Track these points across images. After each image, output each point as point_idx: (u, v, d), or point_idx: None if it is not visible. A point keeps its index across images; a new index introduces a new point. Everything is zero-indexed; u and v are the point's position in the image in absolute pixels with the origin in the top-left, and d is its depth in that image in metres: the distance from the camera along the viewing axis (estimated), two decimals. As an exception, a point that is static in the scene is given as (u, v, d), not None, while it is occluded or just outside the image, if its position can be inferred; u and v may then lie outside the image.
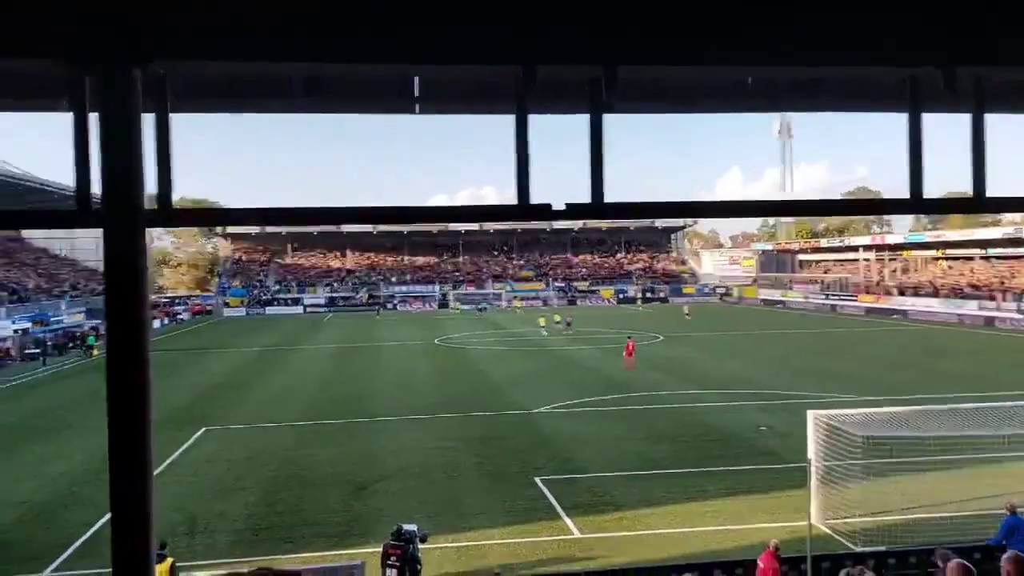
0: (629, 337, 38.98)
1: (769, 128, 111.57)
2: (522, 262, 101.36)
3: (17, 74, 2.11)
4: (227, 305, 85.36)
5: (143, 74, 2.04)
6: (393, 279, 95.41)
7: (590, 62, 2.27)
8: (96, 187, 2.09)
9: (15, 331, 46.45)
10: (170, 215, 2.19)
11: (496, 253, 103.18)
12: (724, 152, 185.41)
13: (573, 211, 2.42)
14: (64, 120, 2.09)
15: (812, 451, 15.35)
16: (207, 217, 2.01)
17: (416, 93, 2.54)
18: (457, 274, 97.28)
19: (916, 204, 2.48)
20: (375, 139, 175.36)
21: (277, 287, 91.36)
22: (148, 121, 2.12)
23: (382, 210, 2.37)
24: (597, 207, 2.39)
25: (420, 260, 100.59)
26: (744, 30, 2.33)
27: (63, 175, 59.77)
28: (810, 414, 15.68)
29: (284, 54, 2.14)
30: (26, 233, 75.21)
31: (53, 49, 1.97)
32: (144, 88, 2.05)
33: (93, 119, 2.03)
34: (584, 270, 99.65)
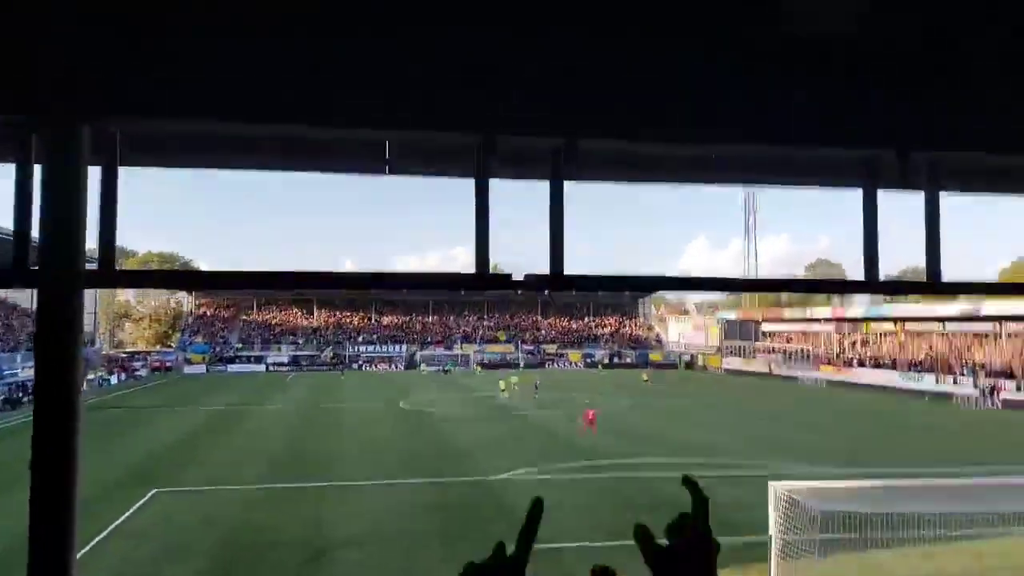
0: (588, 405, 39.04)
1: (735, 198, 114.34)
2: (491, 323, 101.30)
3: None
4: (188, 362, 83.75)
5: (92, 130, 1.99)
6: (360, 338, 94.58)
7: (550, 134, 2.28)
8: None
9: (-36, 384, 45.02)
10: (110, 276, 2.12)
11: (465, 314, 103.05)
12: (692, 220, 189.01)
13: (532, 283, 2.39)
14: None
15: (773, 526, 15.26)
16: (149, 279, 1.95)
17: (387, 155, 2.53)
18: (425, 335, 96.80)
19: (871, 285, 2.50)
20: (344, 196, 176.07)
21: (240, 344, 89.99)
22: (95, 173, 2.06)
23: (341, 276, 2.32)
24: (556, 279, 2.37)
25: (388, 319, 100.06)
26: (705, 109, 2.36)
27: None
28: (771, 487, 15.62)
29: (250, 115, 2.12)
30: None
31: (3, 103, 1.93)
32: (93, 142, 2.00)
33: (37, 170, 1.97)
34: (553, 333, 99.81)
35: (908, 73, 2.35)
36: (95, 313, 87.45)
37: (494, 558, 1.23)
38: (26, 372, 54.72)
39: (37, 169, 1.96)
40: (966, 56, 2.48)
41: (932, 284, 2.48)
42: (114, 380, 64.72)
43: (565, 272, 2.52)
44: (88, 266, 1.99)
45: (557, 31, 2.30)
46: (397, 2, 2.26)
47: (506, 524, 19.46)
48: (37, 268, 1.90)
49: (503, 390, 55.65)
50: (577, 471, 26.99)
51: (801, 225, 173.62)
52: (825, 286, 2.56)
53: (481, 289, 2.51)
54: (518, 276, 2.52)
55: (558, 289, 2.59)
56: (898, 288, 2.77)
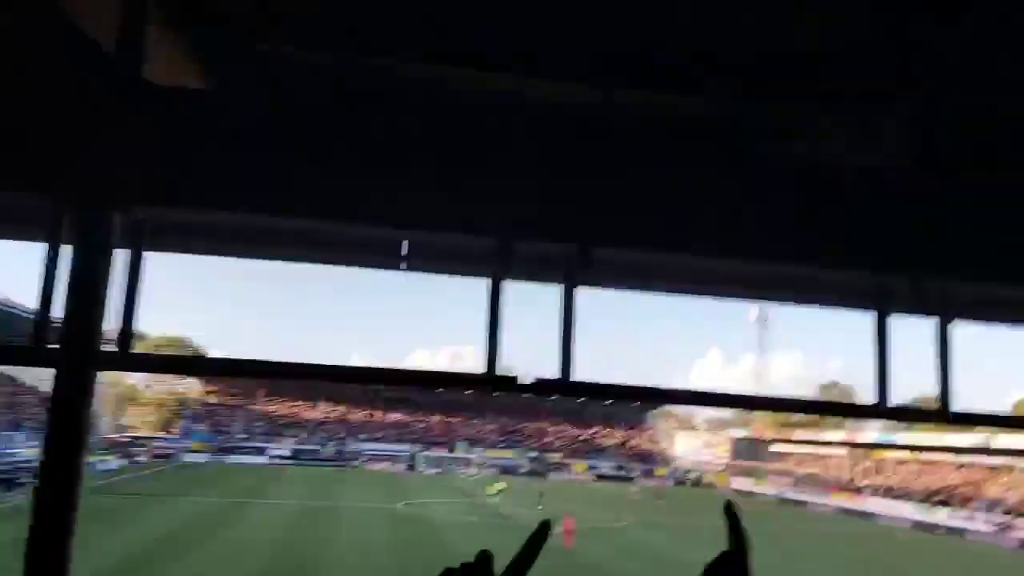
0: (569, 515, 38.89)
1: (748, 314, 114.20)
2: (494, 426, 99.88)
3: None
4: (190, 450, 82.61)
5: (122, 217, 2.07)
6: (363, 435, 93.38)
7: (564, 240, 2.34)
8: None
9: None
10: (127, 360, 2.15)
11: (472, 417, 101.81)
12: (704, 333, 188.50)
13: (540, 387, 2.39)
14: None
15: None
16: (162, 364, 1.97)
17: (404, 253, 2.59)
18: (429, 435, 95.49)
19: (881, 411, 2.49)
20: (355, 289, 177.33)
21: (243, 435, 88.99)
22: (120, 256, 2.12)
23: (352, 370, 2.34)
24: (565, 384, 2.37)
25: (392, 417, 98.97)
26: (719, 226, 2.42)
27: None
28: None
29: (275, 209, 2.19)
30: None
31: (42, 187, 2.01)
32: (121, 228, 2.07)
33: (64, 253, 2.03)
34: (558, 442, 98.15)
35: (922, 202, 2.41)
36: (100, 395, 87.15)
37: (474, 567, 1.13)
38: (28, 452, 54.06)
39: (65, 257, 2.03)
40: (979, 187, 2.54)
41: (943, 413, 2.46)
42: (113, 464, 63.59)
43: (573, 378, 2.53)
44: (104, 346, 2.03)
45: (575, 145, 2.39)
46: (416, 116, 2.38)
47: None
48: (56, 347, 1.94)
49: (493, 495, 56.11)
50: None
51: (815, 345, 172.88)
52: (834, 408, 2.53)
53: (489, 390, 2.51)
54: (524, 377, 2.53)
55: (566, 395, 2.58)
56: (908, 415, 2.74)
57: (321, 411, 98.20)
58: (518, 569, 1.14)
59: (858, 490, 72.08)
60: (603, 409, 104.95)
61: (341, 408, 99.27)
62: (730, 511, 1.21)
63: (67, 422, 1.96)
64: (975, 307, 2.77)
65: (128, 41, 2.01)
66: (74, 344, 1.97)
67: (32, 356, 2.06)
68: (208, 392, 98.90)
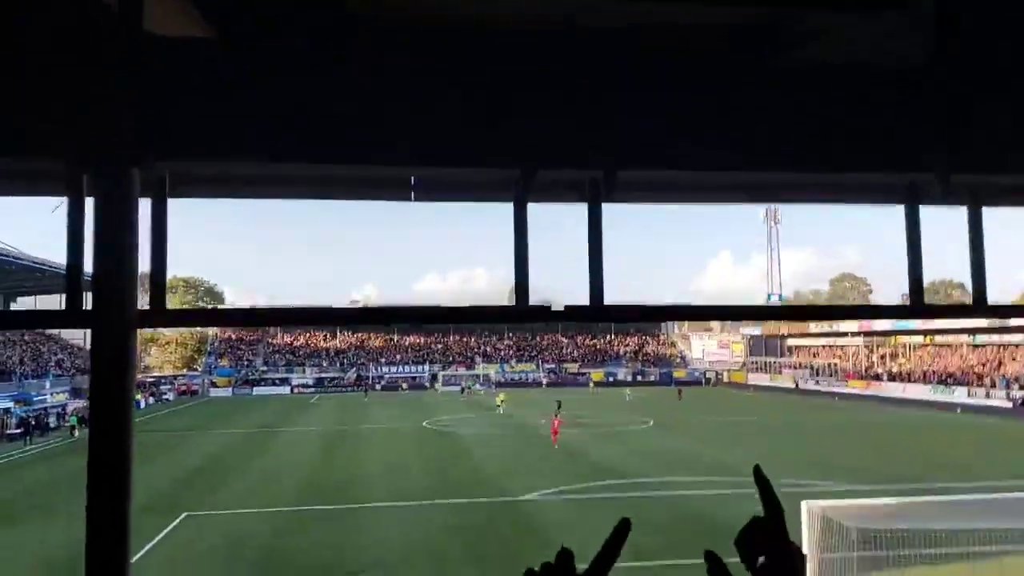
0: (556, 415, 41.99)
1: (756, 212, 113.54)
2: (511, 343, 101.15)
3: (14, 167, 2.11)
4: (214, 385, 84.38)
5: (142, 172, 2.04)
6: (382, 359, 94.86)
7: (590, 167, 2.29)
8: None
9: (-3, 410, 45.64)
10: (163, 316, 2.16)
11: (487, 334, 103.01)
12: (714, 235, 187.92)
13: (572, 314, 2.39)
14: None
15: (807, 544, 15.01)
16: (200, 318, 1.98)
17: (412, 184, 2.55)
18: (447, 355, 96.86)
19: (916, 310, 2.47)
20: (364, 218, 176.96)
21: (265, 367, 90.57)
22: (144, 212, 2.10)
23: (379, 310, 2.34)
24: (596, 310, 2.36)
25: (410, 340, 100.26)
26: (744, 138, 2.36)
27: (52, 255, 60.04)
28: (804, 505, 15.39)
29: (287, 157, 2.16)
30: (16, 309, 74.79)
31: (57, 150, 1.98)
32: (143, 182, 2.05)
33: (88, 216, 2.02)
34: (575, 352, 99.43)
35: (950, 98, 2.34)
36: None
37: (555, 567, 1.10)
38: (55, 398, 55.34)
39: (88, 213, 2.01)
40: (1006, 79, 2.46)
41: (979, 307, 2.44)
42: (142, 404, 65.25)
43: (604, 302, 2.53)
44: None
45: (595, 68, 2.32)
46: (430, 45, 2.30)
47: (533, 544, 19.35)
48: (91, 309, 1.94)
49: (497, 404, 59.92)
50: (601, 491, 26.77)
51: (825, 238, 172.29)
52: (866, 312, 2.51)
53: (522, 321, 2.52)
54: (556, 305, 2.53)
55: (598, 320, 2.58)
56: (943, 312, 2.72)
57: (340, 339, 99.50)
58: (600, 567, 1.11)
59: (876, 376, 72.99)
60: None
61: (359, 335, 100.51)
62: (760, 476, 1.19)
63: (111, 383, 1.98)
64: (1005, 195, 2.72)
65: None
66: (109, 304, 1.97)
67: (68, 319, 2.07)
68: (225, 329, 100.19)
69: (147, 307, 2.09)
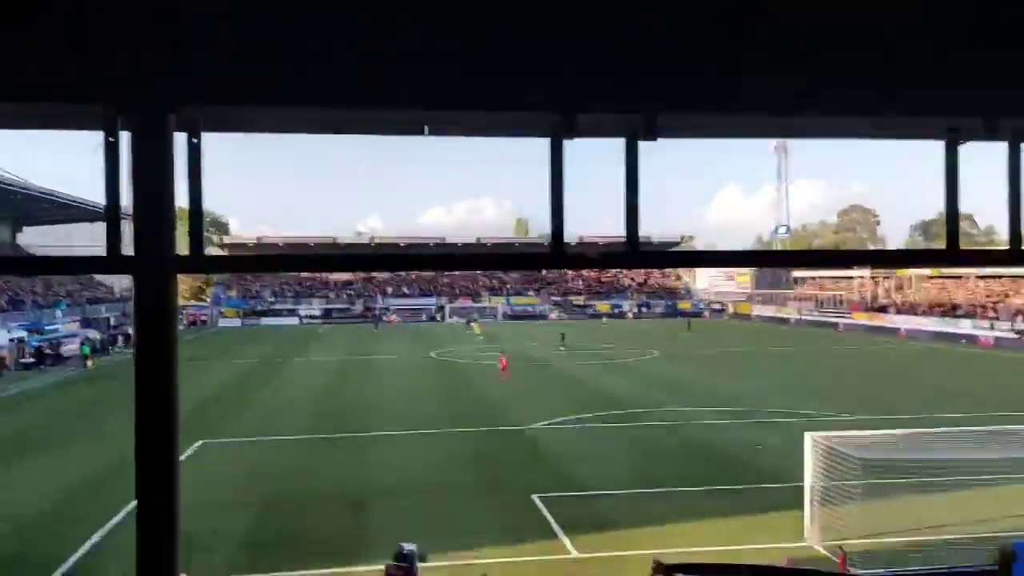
0: (502, 353, 43.99)
1: (765, 144, 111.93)
2: (517, 275, 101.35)
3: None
4: (223, 315, 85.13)
5: (175, 114, 2.05)
6: (389, 291, 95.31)
7: (629, 111, 2.27)
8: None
9: (11, 339, 46.18)
10: (201, 262, 2.20)
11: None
12: (722, 167, 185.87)
13: (609, 260, 2.41)
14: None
15: (809, 473, 15.36)
16: (237, 264, 1.99)
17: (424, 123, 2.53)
18: (454, 287, 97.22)
19: (954, 257, 2.46)
20: (366, 149, 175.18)
21: (273, 298, 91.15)
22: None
23: (408, 257, 2.37)
24: (633, 255, 2.36)
25: (416, 273, 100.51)
26: (783, 82, 2.33)
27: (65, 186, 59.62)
28: (807, 436, 15.70)
29: (309, 100, 2.15)
30: (22, 240, 75.05)
31: (94, 95, 1.98)
32: (177, 123, 2.06)
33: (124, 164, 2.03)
34: (580, 284, 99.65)
35: (991, 42, 2.30)
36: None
37: None
38: (66, 327, 55.88)
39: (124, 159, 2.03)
40: None
41: (1017, 253, 2.41)
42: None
43: (645, 235, 2.54)
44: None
45: (633, 11, 2.28)
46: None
47: (539, 473, 19.83)
48: (132, 255, 1.97)
49: (478, 333, 66.23)
50: (607, 420, 27.26)
51: (835, 170, 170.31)
52: (905, 259, 2.52)
53: (559, 268, 2.53)
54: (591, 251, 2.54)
55: (636, 266, 2.59)
56: (978, 259, 2.69)
57: (347, 272, 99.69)
58: None
59: (881, 308, 73.16)
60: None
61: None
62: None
63: (154, 327, 2.03)
64: None
65: None
66: (148, 249, 2.00)
67: (109, 265, 2.10)
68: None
69: (186, 252, 2.12)
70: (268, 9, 2.05)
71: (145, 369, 1.99)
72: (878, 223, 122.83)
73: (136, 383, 1.97)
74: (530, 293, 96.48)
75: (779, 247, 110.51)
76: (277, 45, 2.07)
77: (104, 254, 2.03)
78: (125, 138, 2.05)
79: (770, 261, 2.77)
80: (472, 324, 71.23)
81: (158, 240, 1.97)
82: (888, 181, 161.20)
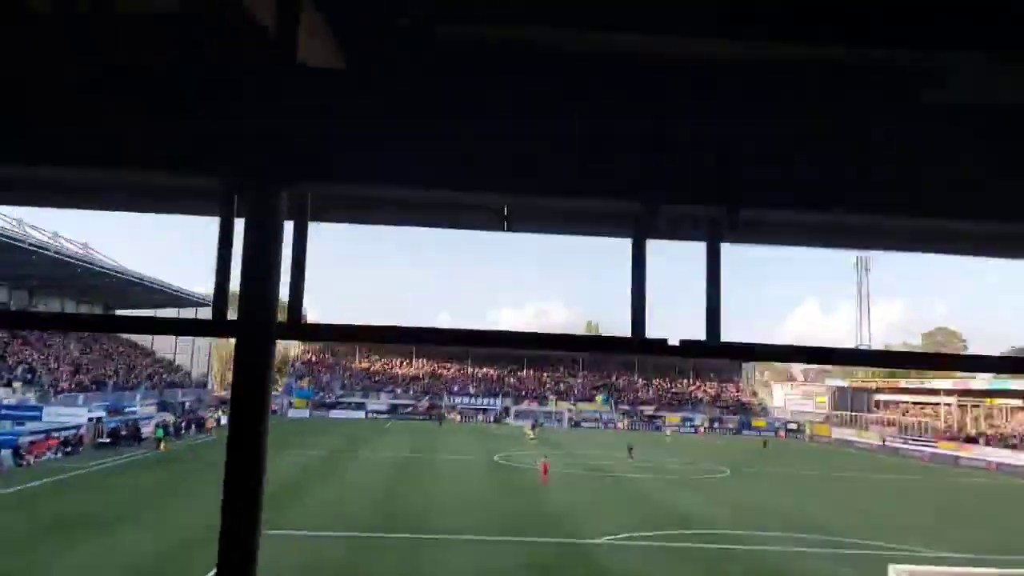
0: (545, 458, 42.95)
1: (845, 259, 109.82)
2: (582, 380, 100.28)
3: (172, 185, 2.27)
4: (292, 406, 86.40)
5: (288, 193, 2.16)
6: (455, 388, 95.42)
7: (711, 203, 2.29)
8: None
9: (90, 419, 47.72)
10: (300, 329, 2.26)
11: (560, 370, 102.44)
12: (800, 282, 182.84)
13: (689, 348, 2.38)
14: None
15: (895, 610, 14.30)
16: (333, 332, 2.06)
17: (505, 214, 2.58)
18: (520, 390, 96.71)
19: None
20: (437, 248, 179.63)
21: (342, 391, 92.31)
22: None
23: (503, 334, 2.39)
24: (713, 347, 2.34)
25: (483, 371, 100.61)
26: (870, 184, 2.32)
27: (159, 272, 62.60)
28: (891, 568, 14.72)
29: (416, 182, 2.24)
30: (113, 323, 78.51)
31: (212, 168, 2.12)
32: (288, 203, 2.17)
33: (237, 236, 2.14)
34: (651, 394, 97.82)
35: None
36: (209, 355, 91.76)
37: None
38: (144, 410, 57.50)
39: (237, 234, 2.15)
40: None
41: None
42: (224, 420, 67.29)
43: (723, 339, 2.50)
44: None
45: (720, 105, 2.33)
46: (549, 75, 2.36)
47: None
48: (237, 319, 2.06)
49: (531, 437, 65.57)
50: (673, 539, 26.10)
51: (916, 289, 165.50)
52: (1006, 366, 2.39)
53: (638, 354, 2.52)
54: (672, 340, 2.52)
55: (715, 356, 2.55)
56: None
57: (415, 367, 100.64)
58: None
59: (969, 439, 69.10)
60: (696, 361, 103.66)
61: (434, 363, 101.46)
62: None
63: (251, 387, 2.08)
64: None
65: (284, 23, 2.07)
66: (253, 316, 2.08)
67: (214, 328, 2.19)
68: (307, 351, 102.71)
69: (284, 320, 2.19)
70: (369, 102, 2.18)
71: (240, 427, 2.03)
72: (965, 347, 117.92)
73: (230, 439, 2.02)
74: (597, 400, 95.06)
75: (860, 372, 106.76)
76: (378, 132, 2.19)
77: (211, 319, 2.13)
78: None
79: (863, 360, 2.66)
80: (528, 430, 71.33)
81: (262, 306, 2.05)
82: (973, 302, 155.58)
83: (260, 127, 2.13)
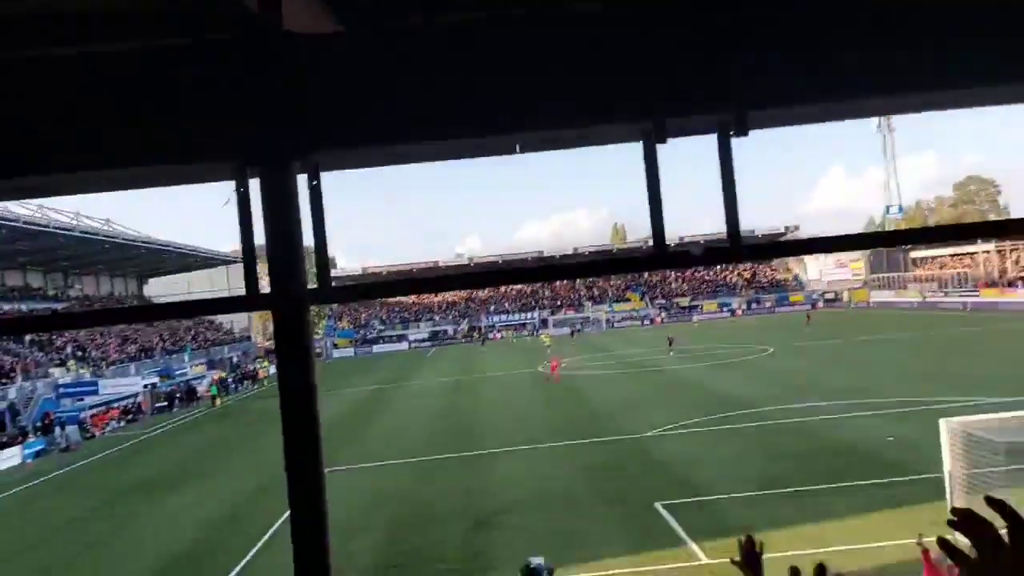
0: (553, 356, 44.74)
1: (867, 124, 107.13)
2: (618, 280, 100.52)
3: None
4: (336, 346, 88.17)
5: (300, 163, 2.20)
6: (491, 308, 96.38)
7: (721, 111, 2.27)
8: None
9: (145, 386, 49.27)
10: (330, 292, 2.33)
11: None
12: (823, 152, 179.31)
13: (712, 256, 2.41)
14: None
15: (948, 462, 14.54)
16: (362, 291, 2.12)
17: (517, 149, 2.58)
18: (555, 299, 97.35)
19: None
20: (455, 173, 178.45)
21: (382, 326, 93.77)
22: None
23: (521, 270, 2.44)
24: (736, 250, 2.36)
25: (516, 288, 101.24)
26: (881, 69, 2.28)
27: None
28: (942, 423, 14.87)
29: (422, 136, 2.26)
30: (148, 291, 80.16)
31: (223, 153, 2.16)
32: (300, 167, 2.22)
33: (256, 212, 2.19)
34: (685, 286, 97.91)
35: None
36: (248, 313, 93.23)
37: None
38: (193, 371, 59.13)
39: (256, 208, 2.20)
40: None
41: None
42: (272, 370, 68.75)
43: (750, 230, 2.52)
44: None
45: (717, 12, 2.28)
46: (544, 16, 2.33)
47: (660, 480, 19.56)
48: (269, 292, 2.13)
49: (547, 345, 64.29)
50: (724, 422, 26.61)
51: (944, 142, 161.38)
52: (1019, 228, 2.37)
53: (663, 268, 2.55)
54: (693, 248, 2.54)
55: (739, 260, 2.58)
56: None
57: (450, 294, 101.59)
58: None
59: (1011, 283, 68.45)
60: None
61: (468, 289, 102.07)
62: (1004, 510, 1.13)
63: (293, 356, 2.17)
64: None
65: None
66: (284, 288, 2.15)
67: (249, 303, 2.27)
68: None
69: (314, 285, 2.26)
70: (372, 59, 2.17)
71: (289, 392, 2.13)
72: (998, 192, 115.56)
73: (282, 405, 2.12)
74: (632, 299, 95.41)
75: (893, 227, 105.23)
76: (383, 89, 2.20)
77: (244, 294, 2.20)
78: (252, 186, 2.23)
79: (881, 241, 2.67)
80: (545, 338, 71.54)
81: (291, 276, 2.12)
82: (1004, 148, 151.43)
83: (259, 103, 2.15)
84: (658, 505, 17.36)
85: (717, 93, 2.25)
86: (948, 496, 14.32)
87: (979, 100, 2.64)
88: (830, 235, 2.60)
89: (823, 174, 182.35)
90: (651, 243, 2.64)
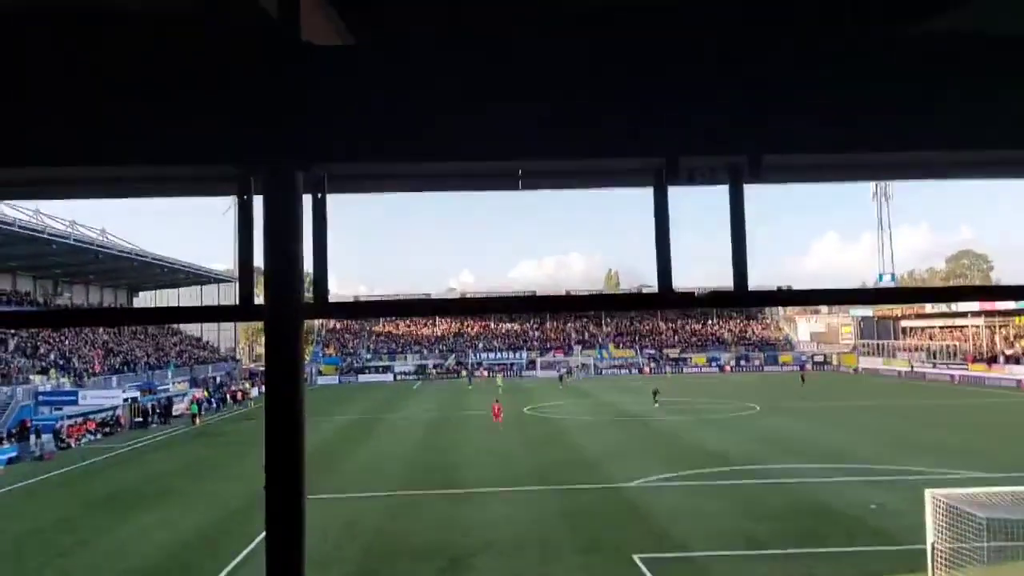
0: (496, 401, 44.47)
1: (865, 189, 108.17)
2: (609, 328, 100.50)
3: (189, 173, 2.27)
4: (320, 373, 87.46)
5: (304, 173, 2.15)
6: (480, 345, 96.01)
7: (735, 152, 2.25)
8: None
9: (125, 400, 48.64)
10: (325, 307, 2.28)
11: (584, 319, 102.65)
12: (819, 216, 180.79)
13: (718, 299, 2.37)
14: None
15: (931, 533, 14.40)
16: (358, 310, 2.06)
17: (519, 174, 2.56)
18: (545, 341, 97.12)
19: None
20: (454, 208, 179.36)
21: (369, 355, 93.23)
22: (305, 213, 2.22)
23: (521, 299, 2.39)
24: (739, 296, 2.32)
25: (506, 327, 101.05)
26: (885, 121, 2.27)
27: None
28: (928, 493, 14.77)
29: (420, 157, 2.22)
30: (138, 303, 79.67)
31: (228, 156, 2.11)
32: (304, 181, 2.17)
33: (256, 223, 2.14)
34: (675, 337, 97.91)
35: None
36: (235, 330, 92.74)
37: None
38: (176, 387, 58.44)
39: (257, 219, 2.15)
40: None
41: None
42: (255, 393, 68.07)
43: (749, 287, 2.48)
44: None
45: (739, 55, 2.27)
46: (563, 29, 2.32)
47: (639, 532, 19.27)
48: (263, 304, 2.07)
49: (499, 385, 65.32)
50: (708, 477, 26.36)
51: (939, 215, 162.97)
52: (1012, 292, 2.35)
53: (665, 308, 2.51)
54: (699, 292, 2.50)
55: (741, 306, 2.55)
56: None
57: (439, 327, 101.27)
58: None
59: (995, 359, 68.60)
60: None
61: (457, 321, 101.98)
62: None
63: (282, 369, 2.10)
64: None
65: (287, 4, 2.04)
66: (279, 299, 2.09)
67: (241, 314, 2.20)
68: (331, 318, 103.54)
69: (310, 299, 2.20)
70: (381, 75, 2.15)
71: (277, 405, 2.06)
72: (990, 268, 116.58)
73: (267, 417, 2.05)
74: (622, 347, 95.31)
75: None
76: (390, 105, 2.17)
77: (237, 304, 2.14)
78: (256, 203, 2.18)
79: (881, 297, 2.64)
80: (500, 380, 71.51)
81: (288, 289, 2.06)
82: (999, 224, 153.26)
83: (269, 112, 2.12)
84: (636, 558, 17.07)
85: (733, 134, 2.23)
86: (930, 569, 14.15)
87: (998, 171, 2.63)
88: (832, 288, 2.57)
89: (817, 238, 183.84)
90: (644, 291, 2.60)
